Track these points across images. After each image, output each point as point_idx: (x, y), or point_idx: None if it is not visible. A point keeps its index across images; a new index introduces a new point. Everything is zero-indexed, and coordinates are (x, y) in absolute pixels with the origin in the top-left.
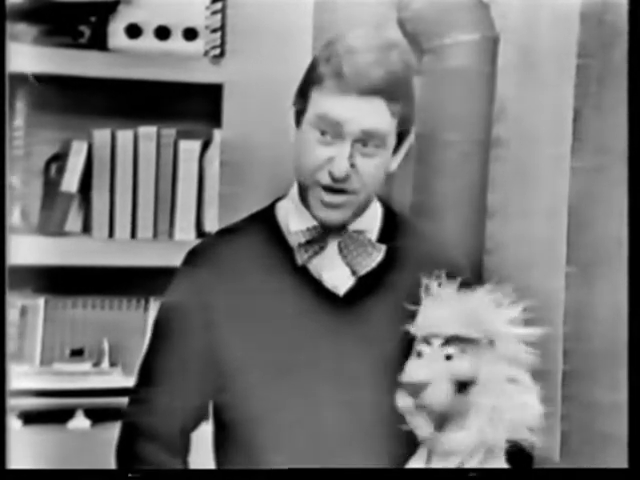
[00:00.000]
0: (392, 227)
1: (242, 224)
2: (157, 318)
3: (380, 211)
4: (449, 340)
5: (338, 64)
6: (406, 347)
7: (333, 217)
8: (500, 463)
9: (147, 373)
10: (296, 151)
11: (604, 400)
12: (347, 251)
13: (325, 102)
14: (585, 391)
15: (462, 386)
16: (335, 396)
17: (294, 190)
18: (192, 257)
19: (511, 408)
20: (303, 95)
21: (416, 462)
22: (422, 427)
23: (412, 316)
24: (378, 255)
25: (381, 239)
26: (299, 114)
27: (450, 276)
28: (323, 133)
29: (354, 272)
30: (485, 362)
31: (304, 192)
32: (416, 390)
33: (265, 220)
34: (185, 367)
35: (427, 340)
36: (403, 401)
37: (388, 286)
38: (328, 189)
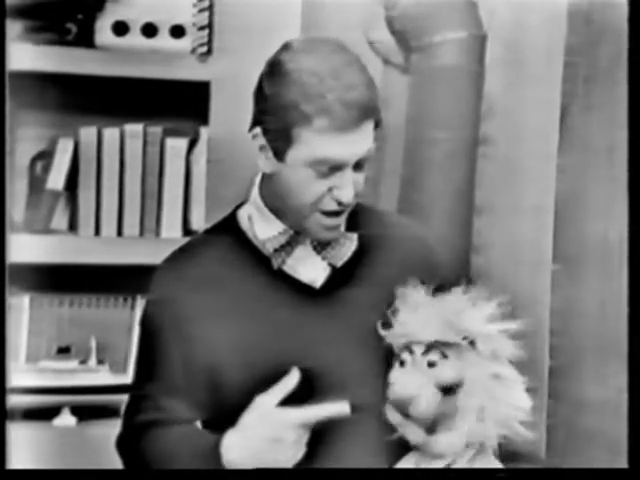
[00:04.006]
0: (357, 215)
1: (208, 234)
2: (139, 333)
3: None
4: (430, 347)
5: (323, 99)
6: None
7: (331, 236)
8: (489, 460)
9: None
10: (281, 182)
11: (590, 396)
12: (321, 247)
13: (321, 145)
14: (571, 387)
15: (448, 390)
16: (322, 386)
17: (255, 196)
18: (162, 273)
19: (499, 405)
20: (283, 133)
21: (406, 463)
22: (413, 434)
23: (386, 321)
24: (352, 244)
25: (349, 227)
26: (279, 149)
27: (421, 258)
28: (321, 170)
29: (332, 265)
30: (468, 363)
31: (296, 218)
32: (404, 405)
33: (229, 229)
34: (176, 386)
35: (409, 348)
36: (392, 416)
37: (364, 274)
38: (332, 214)
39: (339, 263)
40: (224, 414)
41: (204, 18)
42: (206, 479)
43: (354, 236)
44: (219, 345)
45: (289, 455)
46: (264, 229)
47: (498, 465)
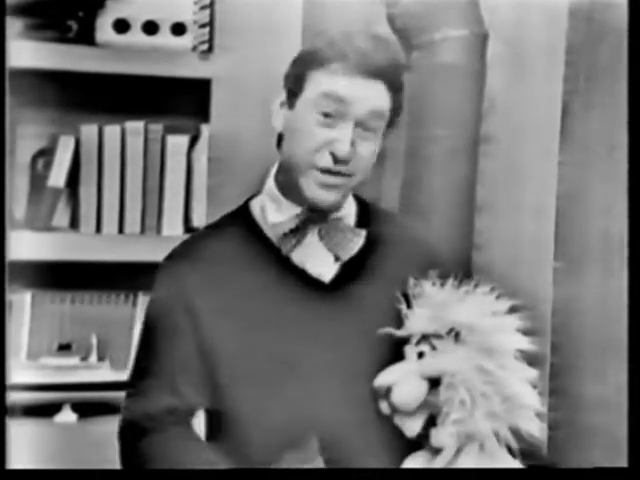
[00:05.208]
0: (367, 214)
1: (218, 225)
2: (144, 323)
3: (353, 200)
4: (423, 338)
5: (343, 47)
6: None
7: (326, 197)
8: (499, 456)
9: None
10: (289, 133)
11: (591, 394)
12: (328, 238)
13: (331, 81)
14: (572, 385)
15: (435, 382)
16: (330, 384)
17: (270, 185)
18: (171, 262)
19: (490, 399)
20: (299, 77)
21: (419, 458)
22: (407, 427)
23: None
24: (359, 240)
25: (359, 225)
26: (292, 96)
27: (426, 259)
28: (325, 114)
29: (337, 258)
30: (452, 356)
31: (294, 175)
32: (384, 393)
33: (241, 218)
34: (176, 368)
35: (410, 341)
36: (382, 405)
37: (372, 271)
38: (326, 171)
39: (345, 256)
40: (226, 407)
41: (205, 16)
42: (206, 479)
43: (362, 232)
44: (226, 337)
45: None
46: (275, 214)
47: (510, 462)
